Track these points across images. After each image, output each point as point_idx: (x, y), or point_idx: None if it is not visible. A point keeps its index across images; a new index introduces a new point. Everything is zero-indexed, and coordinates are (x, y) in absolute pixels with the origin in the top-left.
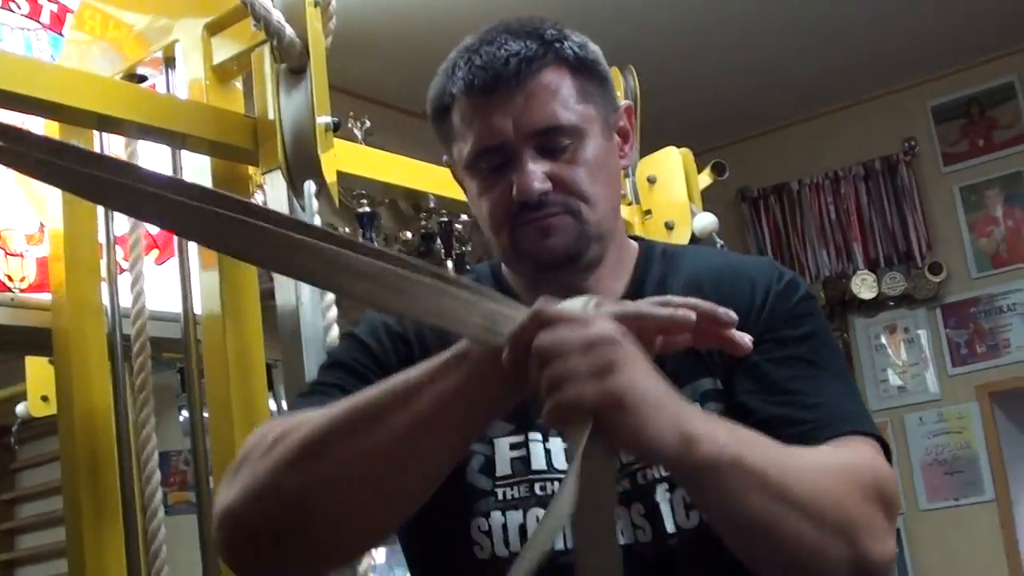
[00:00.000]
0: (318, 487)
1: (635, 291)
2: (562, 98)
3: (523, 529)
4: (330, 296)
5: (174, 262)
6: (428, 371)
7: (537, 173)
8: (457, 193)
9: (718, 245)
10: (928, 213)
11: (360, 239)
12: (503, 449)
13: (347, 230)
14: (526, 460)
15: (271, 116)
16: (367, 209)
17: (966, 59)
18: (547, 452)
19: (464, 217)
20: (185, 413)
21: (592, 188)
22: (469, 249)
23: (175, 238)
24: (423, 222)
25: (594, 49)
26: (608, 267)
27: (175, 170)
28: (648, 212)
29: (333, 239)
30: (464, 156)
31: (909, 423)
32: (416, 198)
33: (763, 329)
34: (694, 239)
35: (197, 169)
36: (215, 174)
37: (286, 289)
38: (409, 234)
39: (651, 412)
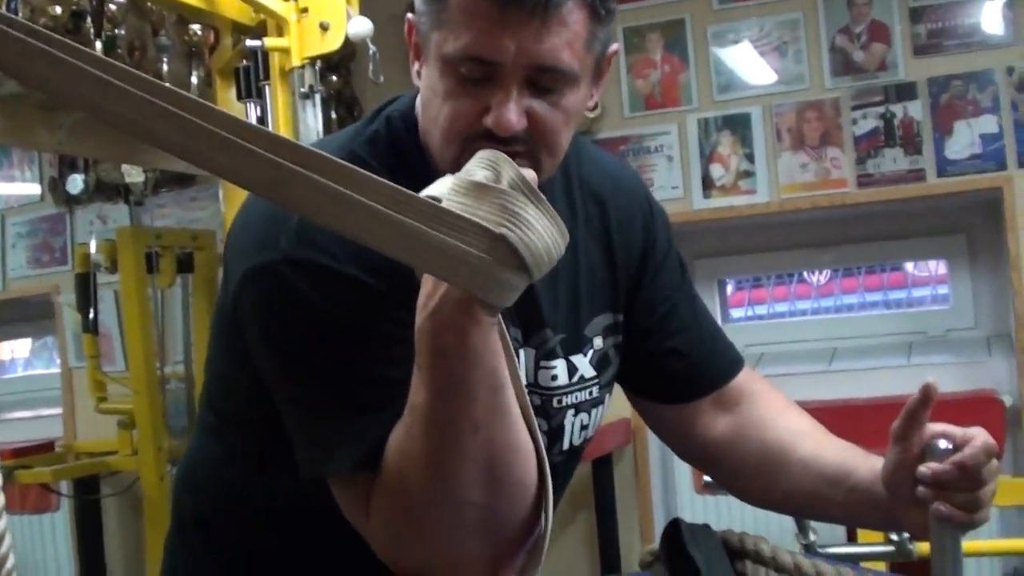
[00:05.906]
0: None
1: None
2: (572, 41)
3: None
4: None
5: None
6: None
7: (518, 110)
8: None
9: (371, 52)
10: None
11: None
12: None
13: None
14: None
15: None
16: None
17: None
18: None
19: None
20: None
21: (561, 139)
22: (123, 32)
23: None
24: None
25: None
26: None
27: None
28: (304, 10)
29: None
30: (448, 50)
31: None
32: None
33: (660, 259)
34: (348, 43)
35: None
36: None
37: None
38: (59, 9)
39: None
